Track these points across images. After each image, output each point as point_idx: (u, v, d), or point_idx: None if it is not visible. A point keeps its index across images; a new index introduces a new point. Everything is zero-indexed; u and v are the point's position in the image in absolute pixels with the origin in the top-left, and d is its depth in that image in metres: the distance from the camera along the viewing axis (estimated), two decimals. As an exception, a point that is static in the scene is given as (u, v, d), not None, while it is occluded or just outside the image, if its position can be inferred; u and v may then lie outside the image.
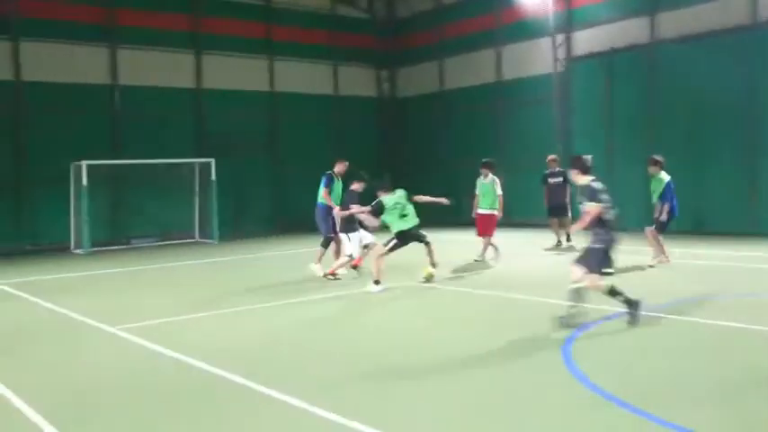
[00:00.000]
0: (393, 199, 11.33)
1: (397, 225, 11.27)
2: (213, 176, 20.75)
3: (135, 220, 20.93)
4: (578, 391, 5.76)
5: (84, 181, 18.59)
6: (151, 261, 16.37)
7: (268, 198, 23.73)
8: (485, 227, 14.24)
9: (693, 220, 17.72)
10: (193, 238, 21.32)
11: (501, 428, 5.08)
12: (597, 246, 7.91)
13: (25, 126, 19.48)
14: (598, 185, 7.97)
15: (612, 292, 7.97)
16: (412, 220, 11.36)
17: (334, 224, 12.65)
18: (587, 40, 20.57)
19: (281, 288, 11.47)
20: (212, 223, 20.82)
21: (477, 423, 5.16)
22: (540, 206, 17.91)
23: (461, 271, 13.00)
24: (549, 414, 5.29)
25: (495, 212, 14.30)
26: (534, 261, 14.32)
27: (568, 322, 7.82)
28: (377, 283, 10.87)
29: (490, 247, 14.18)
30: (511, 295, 10.29)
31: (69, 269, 15.26)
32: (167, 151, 20.41)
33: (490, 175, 14.44)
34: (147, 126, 20.99)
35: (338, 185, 12.87)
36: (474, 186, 14.76)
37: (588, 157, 8.40)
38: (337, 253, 12.69)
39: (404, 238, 11.28)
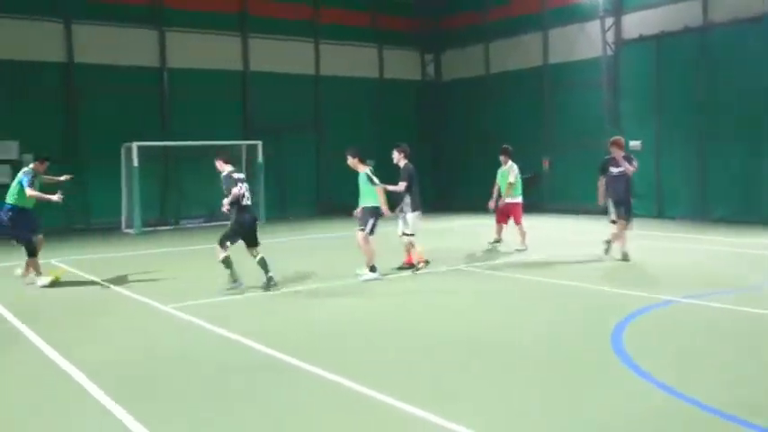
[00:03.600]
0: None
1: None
2: (260, 159, 20.98)
3: (184, 201, 21.33)
4: (627, 376, 5.78)
5: (136, 162, 18.96)
6: (201, 241, 16.65)
7: (311, 181, 23.95)
8: (513, 215, 13.86)
9: (747, 207, 17.43)
10: (240, 219, 21.61)
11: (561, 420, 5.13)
12: None
13: (77, 108, 19.97)
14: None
15: None
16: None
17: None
18: (637, 24, 20.19)
19: (333, 269, 11.55)
20: (259, 205, 21.04)
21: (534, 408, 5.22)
22: (589, 192, 17.66)
23: (514, 258, 12.97)
24: (601, 401, 5.33)
25: (518, 200, 13.91)
26: (587, 250, 14.21)
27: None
28: (372, 269, 10.74)
29: (518, 235, 13.79)
30: (565, 282, 10.28)
31: (122, 249, 15.66)
32: (215, 133, 20.66)
33: (509, 162, 14.05)
34: (194, 108, 21.32)
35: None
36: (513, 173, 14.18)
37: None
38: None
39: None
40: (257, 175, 21.07)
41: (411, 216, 11.16)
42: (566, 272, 11.03)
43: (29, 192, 10.64)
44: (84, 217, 20.07)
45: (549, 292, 9.71)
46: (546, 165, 23.08)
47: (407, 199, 11.18)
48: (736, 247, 13.35)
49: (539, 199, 23.07)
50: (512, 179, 13.84)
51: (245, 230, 9.98)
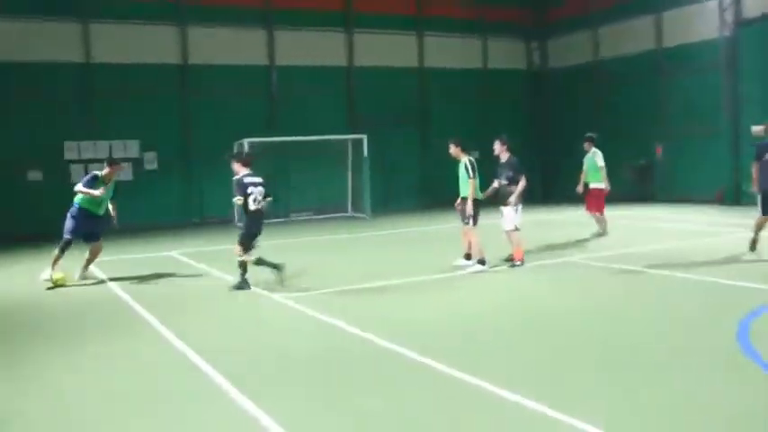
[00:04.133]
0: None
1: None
2: (366, 152, 21.18)
3: (292, 195, 21.80)
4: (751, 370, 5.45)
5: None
6: (311, 234, 17.04)
7: (415, 174, 23.98)
8: (594, 203, 14.00)
9: None
10: (346, 212, 21.94)
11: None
12: None
13: (190, 107, 20.80)
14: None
15: None
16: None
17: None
18: (758, 2, 19.05)
19: (443, 263, 11.50)
20: (365, 198, 21.29)
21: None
22: (705, 180, 16.87)
23: (621, 250, 12.54)
24: (734, 399, 5.07)
25: (602, 186, 13.92)
26: (710, 240, 13.55)
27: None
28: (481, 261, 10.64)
29: (597, 223, 13.99)
30: (685, 275, 9.83)
31: (234, 241, 16.09)
32: (321, 128, 21.04)
33: (593, 149, 14.11)
34: (300, 104, 21.81)
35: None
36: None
37: None
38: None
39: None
40: (362, 169, 21.29)
41: (506, 210, 10.86)
42: (689, 265, 10.52)
43: (78, 188, 10.56)
44: (198, 211, 20.92)
45: (671, 286, 9.30)
46: (659, 152, 22.17)
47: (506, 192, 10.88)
48: None
49: (651, 188, 22.22)
50: (601, 162, 13.94)
51: (253, 234, 9.83)
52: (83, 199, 10.59)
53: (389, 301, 9.02)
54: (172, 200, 20.77)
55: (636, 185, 22.27)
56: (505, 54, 25.83)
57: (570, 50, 25.24)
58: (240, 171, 9.77)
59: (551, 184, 25.05)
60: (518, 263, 10.87)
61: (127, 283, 10.70)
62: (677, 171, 21.51)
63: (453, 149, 10.89)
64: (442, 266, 11.00)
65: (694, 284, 9.14)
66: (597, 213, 14.09)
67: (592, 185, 14.07)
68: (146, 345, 7.20)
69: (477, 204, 10.67)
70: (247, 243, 9.78)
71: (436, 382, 5.59)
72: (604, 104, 23.48)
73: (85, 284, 10.66)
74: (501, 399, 5.12)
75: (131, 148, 20.22)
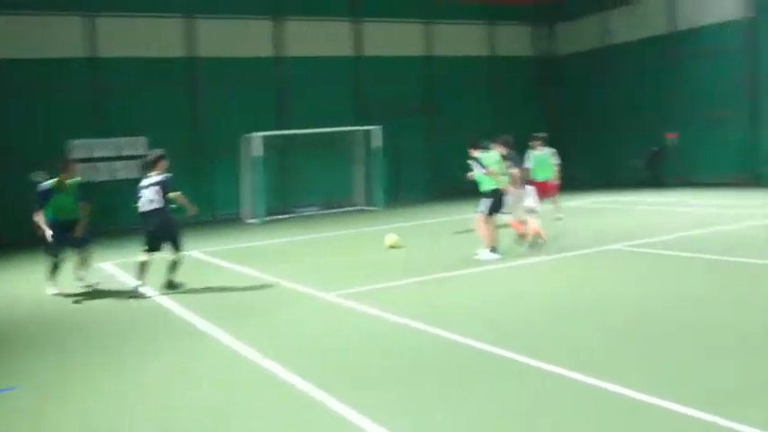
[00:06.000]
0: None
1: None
2: (376, 143, 20.71)
3: (300, 190, 21.32)
4: None
5: (261, 152, 19.03)
6: (327, 229, 16.55)
7: (426, 164, 23.56)
8: (546, 191, 14.24)
9: None
10: (356, 205, 21.48)
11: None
12: None
13: (198, 102, 20.22)
14: None
15: None
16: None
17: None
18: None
19: (468, 255, 11.11)
20: (377, 190, 20.84)
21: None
22: (723, 164, 16.58)
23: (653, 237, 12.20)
24: None
25: (555, 181, 14.85)
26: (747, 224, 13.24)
27: None
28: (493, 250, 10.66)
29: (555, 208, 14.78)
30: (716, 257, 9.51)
31: (252, 238, 15.67)
32: (329, 120, 20.56)
33: (546, 148, 14.91)
34: (309, 96, 21.29)
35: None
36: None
37: None
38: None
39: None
40: (373, 160, 20.83)
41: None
42: (732, 248, 10.20)
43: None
44: (209, 209, 20.36)
45: (725, 270, 8.97)
46: (671, 138, 21.85)
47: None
48: None
49: (664, 174, 21.94)
50: (557, 161, 14.90)
51: (148, 236, 9.55)
52: (47, 211, 9.82)
53: (444, 293, 8.67)
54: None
55: (645, 172, 22.02)
56: (513, 40, 25.41)
57: (579, 35, 24.86)
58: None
59: (566, 172, 24.73)
60: (528, 239, 11.25)
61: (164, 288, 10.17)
62: (693, 156, 21.22)
63: (470, 152, 11.02)
64: (465, 261, 10.65)
65: (750, 267, 8.81)
66: (554, 196, 14.78)
67: (544, 179, 14.33)
68: (216, 357, 6.63)
69: (494, 195, 10.74)
70: (146, 242, 9.56)
71: (524, 376, 5.22)
72: (616, 90, 23.14)
73: (120, 292, 10.04)
74: (613, 392, 4.75)
75: (137, 144, 19.57)
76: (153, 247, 9.61)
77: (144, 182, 9.62)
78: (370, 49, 22.54)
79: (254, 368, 6.08)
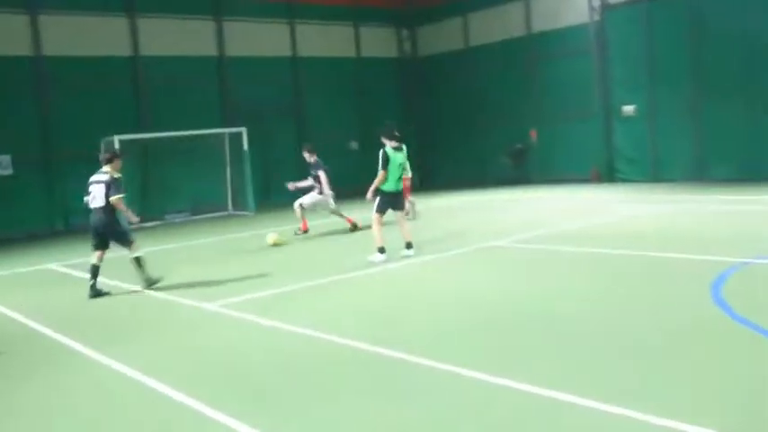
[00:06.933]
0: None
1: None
2: (245, 146, 20.16)
3: (165, 196, 20.41)
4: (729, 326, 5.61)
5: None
6: (199, 236, 15.92)
7: (295, 165, 23.17)
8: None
9: (750, 167, 17.45)
10: (226, 210, 20.82)
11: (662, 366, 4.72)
12: None
13: (48, 103, 18.87)
14: None
15: None
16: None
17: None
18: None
19: (351, 258, 10.99)
20: (248, 194, 20.29)
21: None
22: (580, 161, 17.37)
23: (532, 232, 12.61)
24: (701, 349, 5.08)
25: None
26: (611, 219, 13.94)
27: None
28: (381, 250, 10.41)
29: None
30: (606, 251, 9.95)
31: (119, 248, 14.70)
32: (194, 122, 19.80)
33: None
34: (172, 98, 20.46)
35: None
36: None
37: None
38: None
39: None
40: (243, 164, 20.28)
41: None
42: (613, 241, 10.69)
43: None
44: (64, 218, 19.06)
45: (609, 263, 9.36)
46: (533, 136, 22.81)
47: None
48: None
49: (527, 171, 22.86)
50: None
51: (92, 233, 9.65)
52: None
53: (327, 299, 8.42)
54: (31, 207, 18.75)
55: (511, 169, 22.87)
56: (378, 41, 25.62)
57: (441, 37, 25.40)
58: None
59: (431, 172, 25.26)
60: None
61: (21, 305, 9.32)
62: (552, 153, 22.23)
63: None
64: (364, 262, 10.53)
65: (638, 259, 9.25)
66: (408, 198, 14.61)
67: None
68: (89, 376, 6.12)
69: (381, 194, 10.47)
70: (92, 239, 9.65)
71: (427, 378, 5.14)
72: (479, 91, 23.83)
73: None
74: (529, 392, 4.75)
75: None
76: (98, 245, 9.57)
77: (94, 177, 9.56)
78: (235, 49, 21.93)
79: (137, 387, 5.62)
